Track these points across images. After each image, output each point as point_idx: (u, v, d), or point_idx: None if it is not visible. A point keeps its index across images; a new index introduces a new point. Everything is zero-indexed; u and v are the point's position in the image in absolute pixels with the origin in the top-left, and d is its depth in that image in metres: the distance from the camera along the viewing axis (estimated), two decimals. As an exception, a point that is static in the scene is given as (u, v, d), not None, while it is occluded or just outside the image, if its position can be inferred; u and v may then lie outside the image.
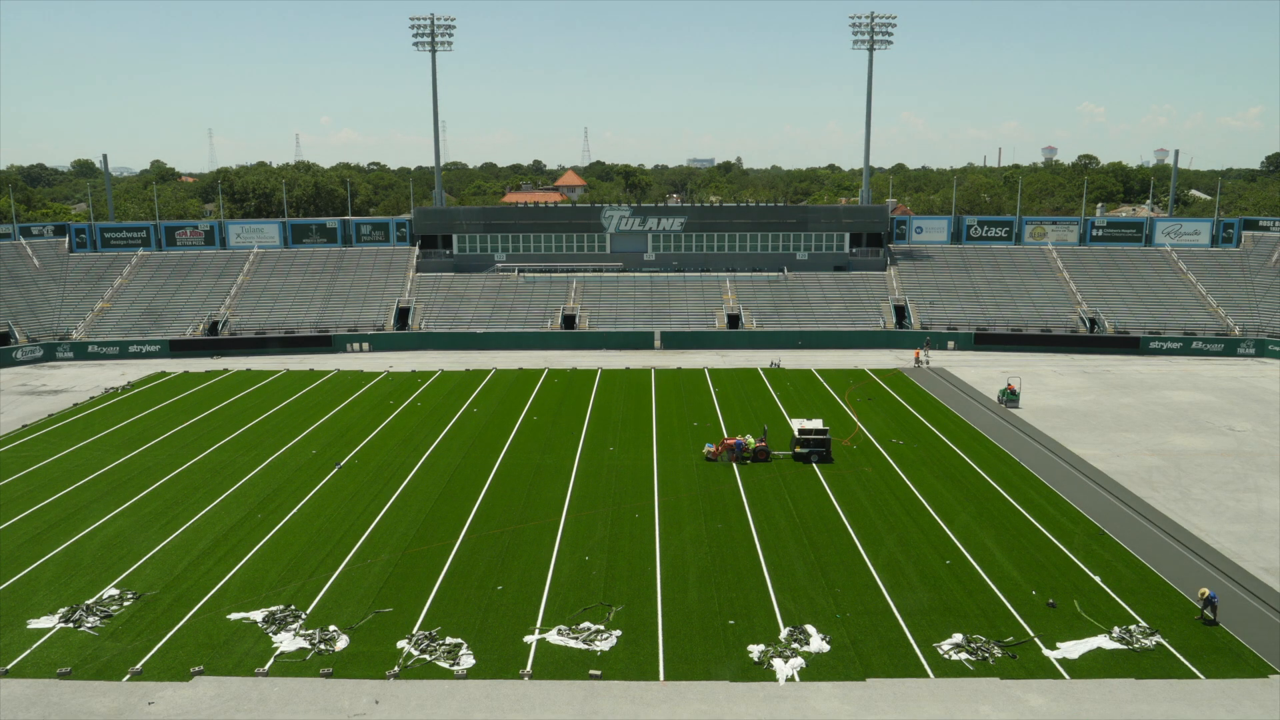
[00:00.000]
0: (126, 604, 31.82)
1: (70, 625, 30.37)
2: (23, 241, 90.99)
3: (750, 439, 47.75)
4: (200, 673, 27.53)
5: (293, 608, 31.36)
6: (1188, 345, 77.21)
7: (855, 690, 26.67)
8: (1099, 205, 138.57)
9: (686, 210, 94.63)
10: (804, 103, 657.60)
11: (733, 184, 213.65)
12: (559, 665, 27.95)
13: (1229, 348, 76.64)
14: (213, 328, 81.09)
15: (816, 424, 48.11)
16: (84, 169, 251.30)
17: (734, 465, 46.46)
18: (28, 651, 28.82)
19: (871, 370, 70.52)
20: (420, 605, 31.66)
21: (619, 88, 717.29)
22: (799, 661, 27.97)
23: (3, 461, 48.46)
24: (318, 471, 46.46)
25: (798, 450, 47.40)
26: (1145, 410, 58.38)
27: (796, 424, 48.54)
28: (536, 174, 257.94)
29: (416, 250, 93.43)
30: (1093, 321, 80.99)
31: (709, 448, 47.90)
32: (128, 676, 27.40)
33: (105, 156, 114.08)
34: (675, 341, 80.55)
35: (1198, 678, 27.16)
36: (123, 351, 77.83)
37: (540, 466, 46.94)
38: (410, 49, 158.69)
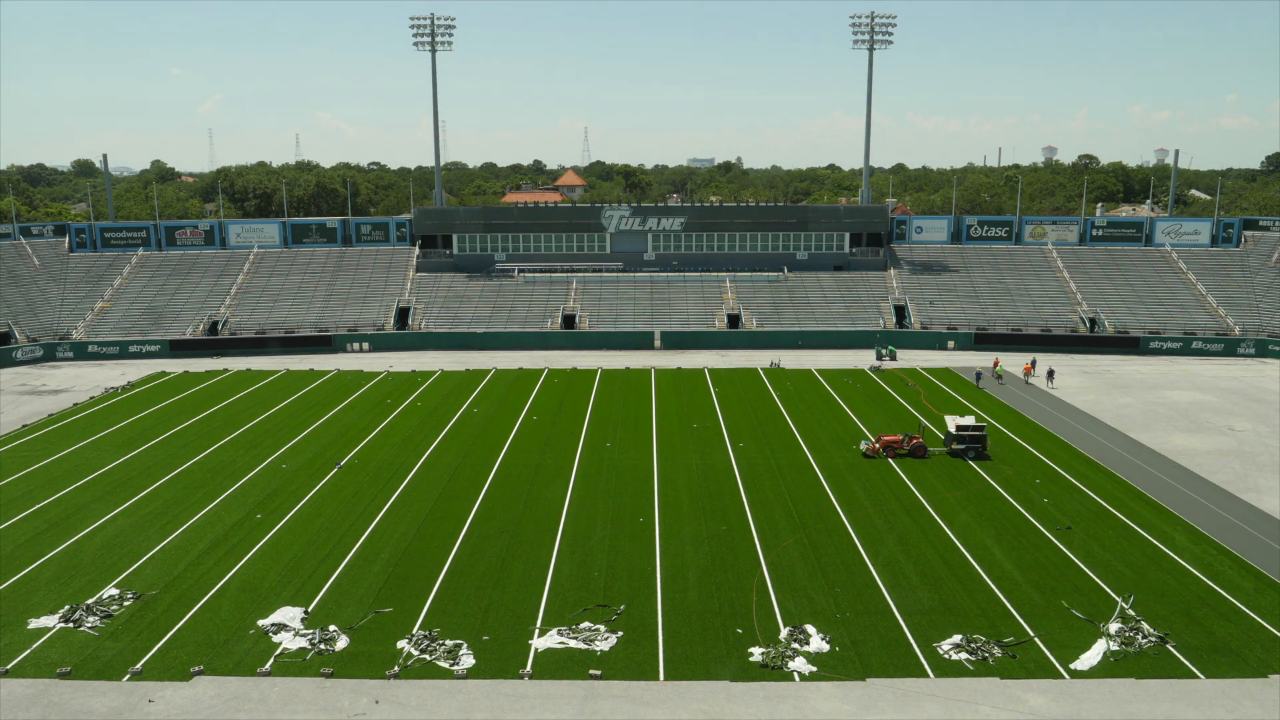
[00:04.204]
0: (126, 604, 31.81)
1: (70, 625, 30.37)
2: (23, 241, 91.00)
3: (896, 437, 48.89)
4: (200, 673, 27.53)
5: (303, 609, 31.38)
6: (1188, 345, 77.19)
7: (855, 690, 26.67)
8: (1099, 205, 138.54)
9: (686, 210, 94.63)
10: (804, 102, 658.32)
11: (733, 184, 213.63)
12: (559, 665, 27.95)
13: (1229, 348, 76.62)
14: (213, 328, 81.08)
15: (970, 420, 48.54)
16: (84, 169, 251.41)
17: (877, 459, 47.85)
18: (28, 651, 28.82)
19: (871, 370, 70.47)
20: (420, 605, 31.66)
21: (619, 87, 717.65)
22: (799, 661, 27.97)
23: (3, 461, 48.46)
24: (318, 471, 46.46)
25: (954, 446, 47.93)
26: (1145, 410, 58.36)
27: (952, 420, 48.81)
28: (536, 174, 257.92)
29: (416, 250, 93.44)
30: (1093, 321, 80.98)
31: (864, 445, 48.61)
32: (128, 676, 27.40)
33: (105, 156, 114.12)
34: (675, 341, 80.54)
35: (1198, 678, 27.16)
36: (123, 351, 77.83)
37: (540, 466, 46.94)
38: (410, 49, 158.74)
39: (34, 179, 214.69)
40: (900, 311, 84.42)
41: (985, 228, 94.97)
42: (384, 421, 55.90)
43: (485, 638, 29.48)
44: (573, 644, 29.04)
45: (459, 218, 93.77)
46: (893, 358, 74.62)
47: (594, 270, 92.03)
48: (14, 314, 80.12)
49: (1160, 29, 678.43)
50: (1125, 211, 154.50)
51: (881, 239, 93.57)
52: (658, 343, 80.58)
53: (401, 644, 29.10)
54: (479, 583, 33.39)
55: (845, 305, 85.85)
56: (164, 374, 70.54)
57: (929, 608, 31.30)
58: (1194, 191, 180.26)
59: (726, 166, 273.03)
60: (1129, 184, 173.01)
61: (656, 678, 27.32)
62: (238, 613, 31.15)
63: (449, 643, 29.06)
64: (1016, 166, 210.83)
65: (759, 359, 74.66)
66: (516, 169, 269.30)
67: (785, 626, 30.03)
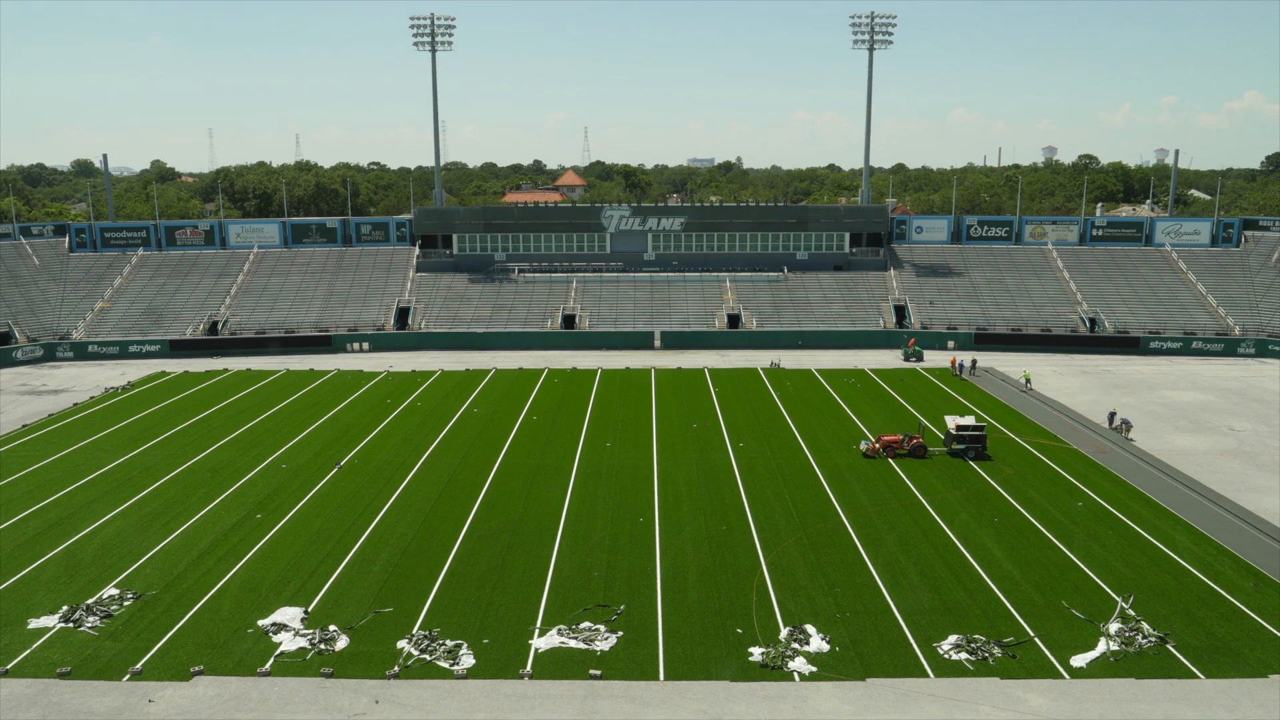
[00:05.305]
0: (126, 604, 31.82)
1: (70, 625, 30.38)
2: (23, 241, 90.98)
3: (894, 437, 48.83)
4: (200, 673, 27.53)
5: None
6: (1188, 345, 77.18)
7: (855, 690, 26.67)
8: (1099, 205, 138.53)
9: (686, 210, 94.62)
10: (804, 102, 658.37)
11: (733, 184, 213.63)
12: (559, 665, 27.95)
13: (1229, 348, 76.62)
14: (213, 328, 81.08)
15: (970, 420, 48.54)
16: (84, 169, 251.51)
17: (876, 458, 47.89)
18: (28, 651, 28.82)
19: (871, 370, 70.50)
20: (420, 605, 31.66)
21: (619, 87, 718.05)
22: (799, 661, 27.97)
23: (3, 461, 48.46)
24: (318, 471, 46.46)
25: (954, 446, 47.93)
26: (1145, 410, 58.35)
27: (952, 420, 48.79)
28: (536, 174, 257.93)
29: (417, 250, 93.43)
30: (1093, 321, 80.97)
31: (864, 445, 48.53)
32: (128, 676, 27.41)
33: (105, 156, 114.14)
34: (675, 341, 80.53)
35: (1198, 678, 27.17)
36: (123, 351, 77.82)
37: (540, 466, 46.93)
38: (410, 48, 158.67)
39: (34, 179, 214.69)
40: (900, 311, 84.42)
41: (985, 228, 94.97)
42: (384, 421, 55.90)
43: (485, 640, 29.48)
44: (573, 644, 29.04)
45: (459, 218, 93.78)
46: (919, 358, 74.25)
47: (594, 270, 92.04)
48: (14, 314, 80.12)
49: (1162, 27, 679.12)
50: (1125, 211, 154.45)
51: (881, 239, 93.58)
52: (658, 343, 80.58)
53: (401, 644, 29.10)
54: (479, 583, 33.40)
55: (845, 305, 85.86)
56: (164, 374, 70.54)
57: (929, 608, 31.30)
58: (1194, 191, 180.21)
59: (726, 166, 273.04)
60: (1129, 184, 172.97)
61: (656, 678, 27.32)
62: (238, 613, 31.16)
63: (449, 643, 29.07)
64: (1016, 166, 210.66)
65: (759, 359, 74.66)
66: (516, 169, 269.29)
67: (785, 626, 30.03)
